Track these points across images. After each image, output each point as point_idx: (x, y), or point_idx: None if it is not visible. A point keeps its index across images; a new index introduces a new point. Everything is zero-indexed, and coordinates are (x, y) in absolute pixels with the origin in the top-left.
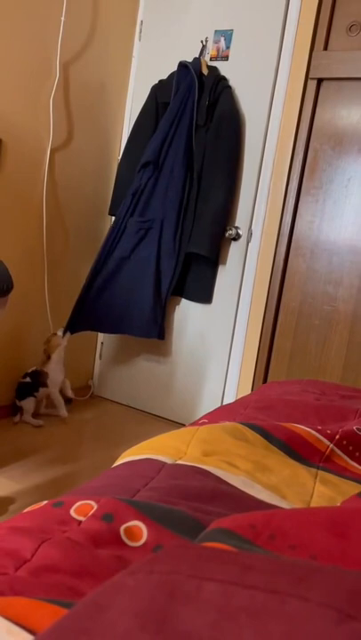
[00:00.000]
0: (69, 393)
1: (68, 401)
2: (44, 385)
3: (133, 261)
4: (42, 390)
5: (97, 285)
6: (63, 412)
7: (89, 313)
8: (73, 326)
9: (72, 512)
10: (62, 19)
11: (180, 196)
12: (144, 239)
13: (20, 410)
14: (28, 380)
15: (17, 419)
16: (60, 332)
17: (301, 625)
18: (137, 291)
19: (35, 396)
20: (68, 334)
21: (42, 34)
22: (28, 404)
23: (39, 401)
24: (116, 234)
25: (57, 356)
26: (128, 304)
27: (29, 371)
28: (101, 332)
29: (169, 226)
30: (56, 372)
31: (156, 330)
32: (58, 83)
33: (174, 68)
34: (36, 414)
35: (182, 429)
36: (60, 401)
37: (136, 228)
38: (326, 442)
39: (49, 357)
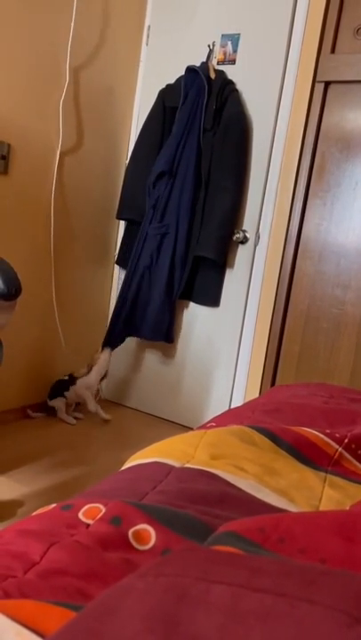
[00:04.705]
0: (98, 410)
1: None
2: (74, 383)
3: (154, 268)
4: (71, 388)
5: (129, 299)
6: (92, 406)
7: (124, 327)
8: (112, 342)
9: (80, 515)
10: (72, 24)
11: (192, 201)
12: (162, 245)
13: (52, 410)
14: (66, 377)
15: (35, 414)
16: (101, 349)
17: (310, 628)
18: (152, 295)
19: (64, 396)
20: (108, 349)
21: (52, 39)
22: (58, 402)
23: (68, 403)
24: (141, 246)
25: (98, 369)
26: (144, 308)
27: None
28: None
29: (182, 230)
30: (90, 378)
31: (164, 333)
32: (67, 87)
33: (181, 72)
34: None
35: (190, 433)
36: (89, 397)
37: (153, 234)
38: (335, 445)
39: (90, 369)
